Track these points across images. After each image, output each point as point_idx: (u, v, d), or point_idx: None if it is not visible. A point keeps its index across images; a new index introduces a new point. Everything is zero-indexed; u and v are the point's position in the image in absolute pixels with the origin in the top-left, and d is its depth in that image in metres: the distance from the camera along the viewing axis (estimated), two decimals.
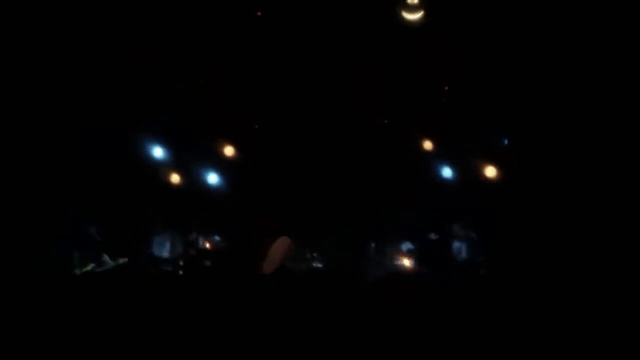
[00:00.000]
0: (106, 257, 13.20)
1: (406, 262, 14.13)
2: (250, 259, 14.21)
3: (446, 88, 14.61)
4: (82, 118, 13.85)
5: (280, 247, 13.03)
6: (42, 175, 13.74)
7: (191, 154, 15.34)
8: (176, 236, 14.43)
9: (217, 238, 14.88)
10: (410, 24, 13.10)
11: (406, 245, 14.40)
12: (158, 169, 15.37)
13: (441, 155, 15.03)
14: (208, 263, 14.13)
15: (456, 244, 13.93)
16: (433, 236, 14.31)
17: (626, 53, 11.92)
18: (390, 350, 9.00)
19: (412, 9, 12.99)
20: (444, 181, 15.02)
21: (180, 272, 13.51)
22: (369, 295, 11.54)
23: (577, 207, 12.59)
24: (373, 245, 14.39)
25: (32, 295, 9.54)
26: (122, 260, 13.16)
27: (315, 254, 13.99)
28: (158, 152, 15.40)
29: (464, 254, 14.00)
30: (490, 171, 14.62)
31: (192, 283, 10.90)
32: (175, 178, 15.50)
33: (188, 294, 9.51)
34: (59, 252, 13.25)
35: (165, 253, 14.18)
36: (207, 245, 14.61)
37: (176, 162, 15.44)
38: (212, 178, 15.58)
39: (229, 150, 15.49)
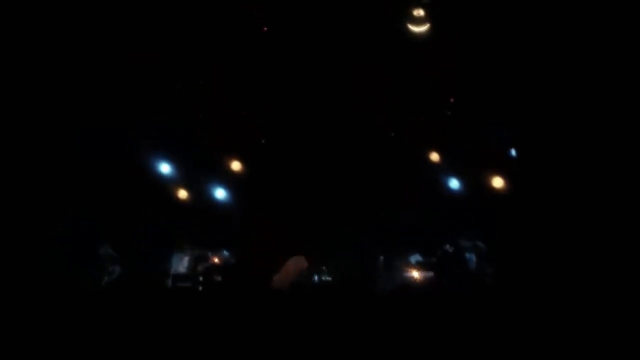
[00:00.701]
0: (117, 268, 13.21)
1: (415, 275, 14.11)
2: (260, 274, 14.24)
3: (452, 100, 14.62)
4: (86, 133, 13.85)
5: (294, 265, 13.08)
6: (51, 188, 13.76)
7: (198, 169, 15.34)
8: (185, 252, 14.42)
9: (226, 253, 14.86)
10: (416, 36, 13.12)
11: (415, 258, 14.37)
12: (165, 185, 15.37)
13: (448, 166, 15.03)
14: (218, 278, 14.12)
15: (465, 256, 13.92)
16: (449, 248, 14.27)
17: (633, 60, 11.93)
18: None
19: (418, 21, 13.02)
20: (452, 192, 15.02)
21: (200, 288, 13.52)
22: (380, 308, 11.55)
23: (586, 216, 12.57)
24: (382, 258, 14.37)
25: (40, 311, 9.53)
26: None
27: (324, 268, 13.98)
28: (165, 168, 15.41)
29: (472, 265, 13.99)
30: (498, 182, 14.61)
31: (205, 298, 10.94)
32: (182, 194, 15.50)
33: (202, 309, 9.53)
34: (68, 265, 13.26)
35: (183, 268, 14.18)
36: (216, 260, 14.60)
37: (183, 177, 15.44)
38: (220, 193, 15.58)
39: (236, 165, 15.50)
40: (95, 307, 9.90)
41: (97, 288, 12.25)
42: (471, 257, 13.88)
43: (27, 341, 9.12)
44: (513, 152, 14.42)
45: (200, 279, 13.89)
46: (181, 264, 14.17)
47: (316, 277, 13.93)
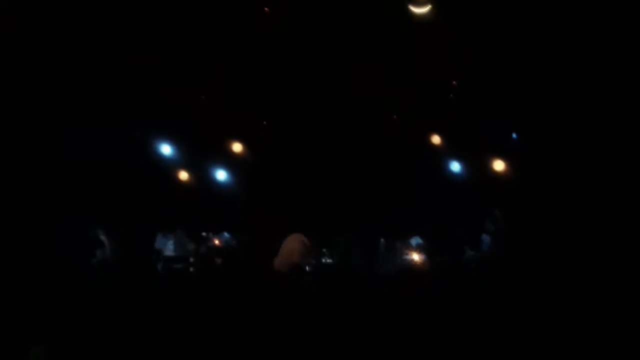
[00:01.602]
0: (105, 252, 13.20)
1: (416, 257, 14.13)
2: (261, 257, 14.24)
3: (454, 83, 14.60)
4: (90, 116, 13.84)
5: (293, 244, 13.03)
6: (47, 173, 13.75)
7: (200, 151, 15.34)
8: (183, 234, 14.40)
9: (226, 235, 14.88)
10: (417, 18, 13.05)
11: (416, 240, 14.40)
12: (167, 167, 15.37)
13: (449, 151, 15.04)
14: (219, 261, 14.13)
15: (485, 239, 13.84)
16: (459, 232, 14.24)
17: (632, 48, 11.87)
18: (400, 346, 9.01)
19: (420, 3, 12.94)
20: (453, 176, 15.03)
21: (191, 270, 13.51)
22: (380, 290, 11.56)
23: (586, 202, 12.56)
24: (383, 241, 14.39)
25: (39, 292, 9.55)
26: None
27: (325, 250, 14.00)
28: (166, 149, 15.40)
29: (492, 247, 13.88)
30: (499, 165, 14.60)
31: (204, 281, 10.93)
32: (184, 176, 15.50)
33: (200, 292, 9.52)
34: (63, 250, 13.28)
35: (171, 251, 14.16)
36: (217, 242, 14.62)
37: (185, 159, 15.44)
38: (221, 175, 15.58)
39: (237, 148, 15.50)
40: (92, 291, 9.92)
41: (86, 272, 12.22)
42: (490, 239, 13.81)
43: (24, 327, 9.13)
44: (515, 136, 14.42)
45: (191, 260, 13.88)
46: (178, 246, 14.15)
47: (318, 260, 13.96)
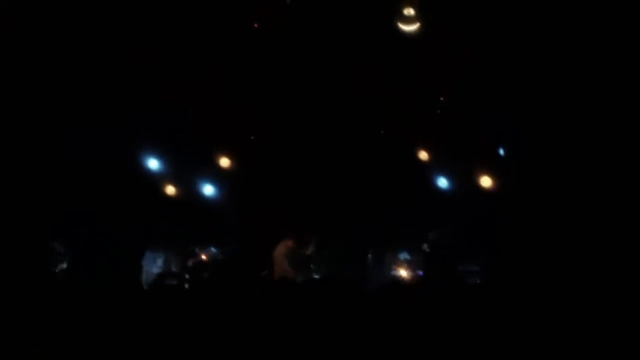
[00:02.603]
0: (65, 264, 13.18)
1: (403, 272, 14.15)
2: (249, 270, 14.25)
3: (442, 99, 14.66)
4: (79, 127, 13.83)
5: (279, 253, 13.08)
6: (37, 189, 13.75)
7: (187, 165, 15.33)
8: (169, 250, 14.35)
9: (213, 250, 14.85)
10: (406, 35, 13.14)
11: (403, 255, 14.42)
12: (154, 181, 15.35)
13: (437, 164, 15.09)
14: (206, 275, 14.10)
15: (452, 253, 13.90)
16: (428, 246, 14.28)
17: (626, 64, 11.98)
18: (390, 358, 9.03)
19: (409, 20, 13.04)
20: (441, 190, 15.08)
21: (186, 286, 13.50)
22: (369, 304, 11.56)
23: (573, 216, 12.65)
24: (370, 255, 14.41)
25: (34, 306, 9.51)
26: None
27: (313, 265, 13.99)
28: (154, 163, 15.37)
29: (459, 262, 13.97)
30: (486, 181, 14.67)
31: (195, 296, 10.91)
32: (171, 190, 15.47)
33: (193, 307, 9.52)
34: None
35: (157, 268, 14.10)
36: (204, 257, 14.58)
37: (172, 173, 15.42)
38: (209, 189, 15.56)
39: (225, 162, 15.49)
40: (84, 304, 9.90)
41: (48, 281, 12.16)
42: (458, 254, 13.89)
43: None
44: (502, 151, 14.49)
45: (187, 276, 13.85)
46: (164, 262, 14.09)
47: (306, 274, 13.96)
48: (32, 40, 12.84)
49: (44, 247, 13.27)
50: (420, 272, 13.84)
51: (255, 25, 13.61)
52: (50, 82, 13.34)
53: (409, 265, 14.14)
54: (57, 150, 13.80)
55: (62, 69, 13.28)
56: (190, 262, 14.21)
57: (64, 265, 13.32)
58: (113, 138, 14.04)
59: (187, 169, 15.29)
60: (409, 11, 12.88)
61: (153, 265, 14.11)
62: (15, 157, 13.43)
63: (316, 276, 13.71)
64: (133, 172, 14.82)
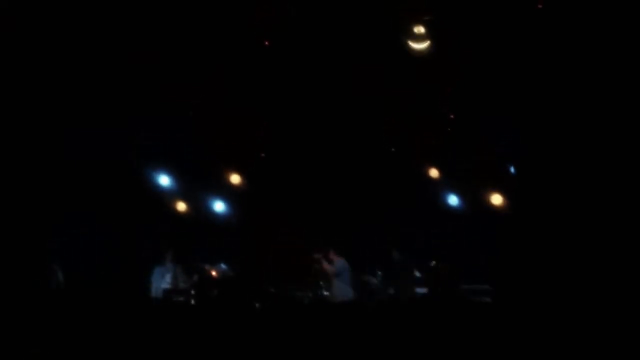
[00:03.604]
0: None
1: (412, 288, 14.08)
2: (257, 286, 14.23)
3: (452, 116, 14.66)
4: (79, 127, 13.84)
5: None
6: (37, 189, 13.82)
7: (198, 182, 15.37)
8: (178, 265, 14.35)
9: (223, 266, 14.84)
10: (416, 53, 13.16)
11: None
12: (164, 198, 15.39)
13: (447, 182, 15.08)
14: (215, 292, 14.08)
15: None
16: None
17: (626, 64, 11.90)
18: None
19: (419, 38, 13.06)
20: (450, 208, 15.06)
21: (192, 302, 13.48)
22: (374, 322, 11.51)
23: (582, 232, 12.59)
24: (379, 273, 14.38)
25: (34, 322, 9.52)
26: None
27: (322, 282, 13.96)
28: (164, 180, 15.43)
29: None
30: (497, 199, 14.65)
31: (204, 312, 10.89)
32: (181, 206, 15.51)
33: (201, 323, 9.51)
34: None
35: (166, 283, 14.08)
36: (214, 273, 14.57)
37: (182, 190, 15.46)
38: (219, 206, 15.60)
39: (235, 179, 15.53)
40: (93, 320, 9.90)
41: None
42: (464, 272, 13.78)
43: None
44: (512, 169, 14.46)
45: (192, 292, 13.83)
46: (165, 278, 14.07)
47: (314, 293, 13.94)
48: (32, 40, 12.86)
49: (43, 247, 13.31)
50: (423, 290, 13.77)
51: (257, 24, 13.56)
52: (50, 82, 13.37)
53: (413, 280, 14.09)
54: (57, 150, 13.85)
55: (62, 69, 13.30)
56: (198, 278, 14.20)
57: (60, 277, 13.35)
58: (114, 141, 14.08)
59: (197, 185, 15.34)
60: (419, 29, 12.91)
61: (162, 281, 14.11)
62: (15, 157, 13.46)
63: (326, 293, 13.69)
64: (138, 183, 14.87)
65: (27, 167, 13.63)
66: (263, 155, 15.36)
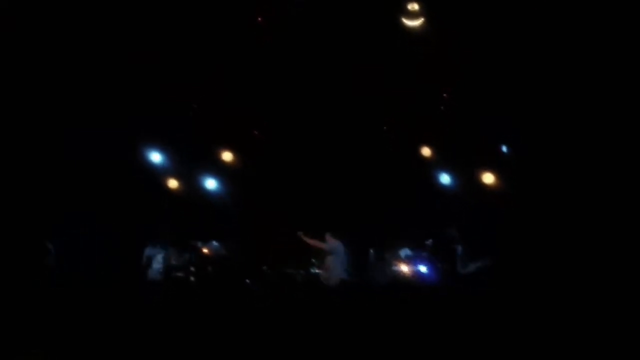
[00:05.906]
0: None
1: (404, 269, 14.11)
2: (251, 265, 14.26)
3: (445, 95, 14.65)
4: (81, 123, 13.84)
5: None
6: (38, 186, 13.80)
7: (190, 160, 15.34)
8: (170, 245, 14.34)
9: (215, 244, 14.83)
10: (410, 30, 13.15)
11: (405, 252, 14.38)
12: (155, 176, 15.36)
13: (440, 161, 15.08)
14: (210, 269, 14.11)
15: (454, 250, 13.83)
16: (431, 243, 14.20)
17: (626, 64, 11.97)
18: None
19: (412, 15, 13.04)
20: (443, 187, 15.08)
21: (192, 279, 13.52)
22: (370, 301, 11.58)
23: (575, 213, 12.64)
24: (372, 252, 14.38)
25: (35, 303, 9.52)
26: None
27: (314, 260, 13.99)
28: (156, 157, 15.38)
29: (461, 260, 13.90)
30: (489, 178, 14.66)
31: (201, 289, 10.95)
32: (172, 184, 15.48)
33: (199, 299, 9.56)
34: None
35: (158, 263, 14.07)
36: (206, 251, 14.57)
37: (175, 168, 15.43)
38: (211, 184, 15.57)
39: (227, 156, 15.51)
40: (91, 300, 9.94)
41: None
42: (460, 251, 13.80)
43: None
44: (505, 148, 14.48)
45: (192, 269, 13.85)
46: (157, 258, 14.06)
47: (307, 271, 13.96)
48: (32, 40, 12.85)
49: (43, 247, 13.30)
50: (421, 269, 13.78)
51: (259, 19, 13.58)
52: (50, 82, 13.36)
53: (410, 262, 14.10)
54: (57, 150, 13.84)
55: (62, 69, 13.29)
56: (192, 257, 14.20)
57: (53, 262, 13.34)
58: (112, 135, 14.04)
59: (188, 164, 15.31)
60: (413, 6, 12.89)
61: (153, 261, 14.10)
62: (15, 157, 13.46)
63: (318, 271, 13.70)
64: (133, 167, 14.82)
65: (27, 167, 13.62)
66: (255, 133, 15.36)
